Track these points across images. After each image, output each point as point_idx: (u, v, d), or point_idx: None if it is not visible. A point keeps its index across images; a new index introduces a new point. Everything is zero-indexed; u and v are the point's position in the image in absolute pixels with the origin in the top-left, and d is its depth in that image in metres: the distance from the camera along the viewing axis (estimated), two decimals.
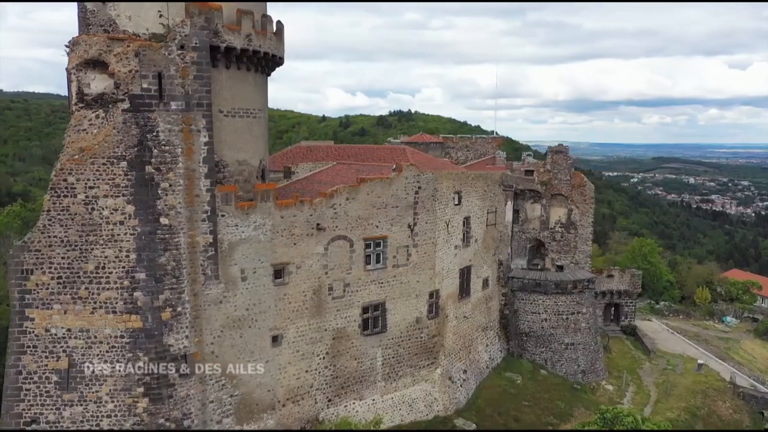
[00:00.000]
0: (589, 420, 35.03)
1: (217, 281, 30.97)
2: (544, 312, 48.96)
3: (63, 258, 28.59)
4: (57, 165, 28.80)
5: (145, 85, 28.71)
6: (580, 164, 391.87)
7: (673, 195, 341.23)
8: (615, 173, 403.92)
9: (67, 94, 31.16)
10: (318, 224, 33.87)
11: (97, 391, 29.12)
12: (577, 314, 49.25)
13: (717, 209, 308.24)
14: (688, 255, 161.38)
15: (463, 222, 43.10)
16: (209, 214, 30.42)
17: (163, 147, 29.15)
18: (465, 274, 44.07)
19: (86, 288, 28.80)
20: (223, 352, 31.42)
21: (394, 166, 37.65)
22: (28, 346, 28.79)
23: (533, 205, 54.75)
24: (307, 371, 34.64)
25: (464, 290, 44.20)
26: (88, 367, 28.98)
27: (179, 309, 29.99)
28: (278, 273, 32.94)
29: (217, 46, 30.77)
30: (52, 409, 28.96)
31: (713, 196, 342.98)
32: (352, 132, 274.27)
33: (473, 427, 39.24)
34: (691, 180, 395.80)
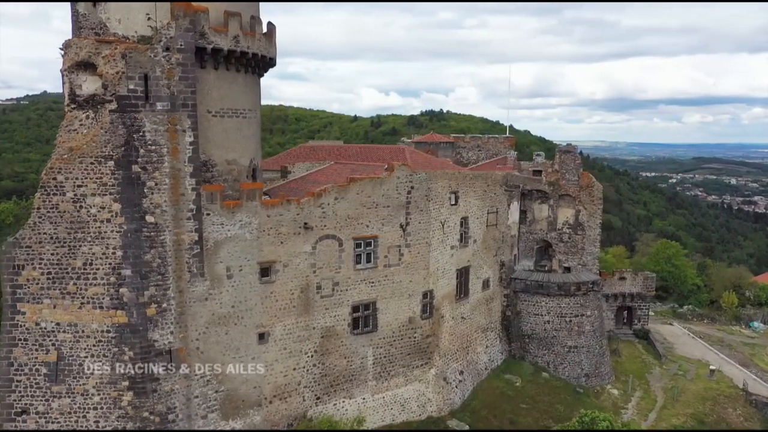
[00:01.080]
0: (569, 424, 34.55)
1: (202, 278, 31.53)
2: (546, 314, 48.38)
3: (52, 254, 29.49)
4: (48, 164, 29.75)
5: (131, 86, 29.40)
6: (617, 164, 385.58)
7: (713, 196, 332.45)
8: (653, 174, 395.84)
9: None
10: (305, 223, 34.16)
11: (84, 384, 29.98)
12: (581, 317, 48.49)
13: (760, 211, 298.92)
14: (727, 258, 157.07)
15: (461, 222, 42.87)
16: (194, 212, 30.98)
17: (149, 147, 29.81)
18: (463, 274, 43.85)
19: (74, 283, 29.66)
20: (208, 349, 31.97)
21: (386, 166, 37.69)
22: (20, 339, 29.79)
23: (541, 206, 54.14)
24: (294, 369, 34.96)
25: (462, 291, 43.97)
26: (75, 360, 29.89)
27: (164, 305, 30.64)
28: (265, 271, 33.33)
29: (203, 47, 31.35)
30: (41, 401, 29.94)
31: (756, 198, 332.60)
32: (383, 132, 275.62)
33: (466, 428, 39.05)
34: (733, 181, 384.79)
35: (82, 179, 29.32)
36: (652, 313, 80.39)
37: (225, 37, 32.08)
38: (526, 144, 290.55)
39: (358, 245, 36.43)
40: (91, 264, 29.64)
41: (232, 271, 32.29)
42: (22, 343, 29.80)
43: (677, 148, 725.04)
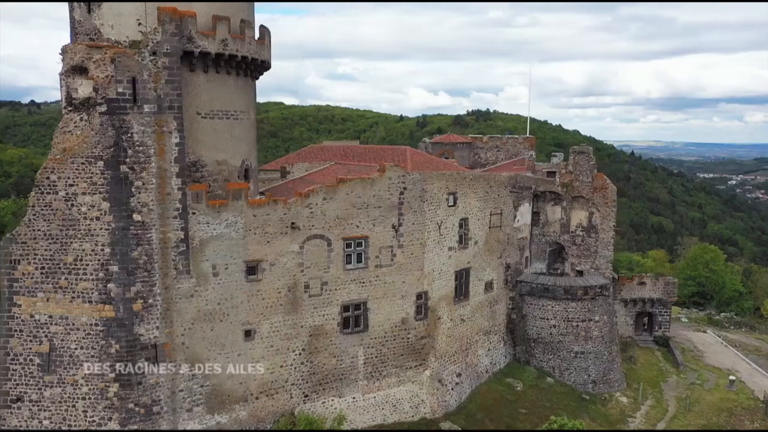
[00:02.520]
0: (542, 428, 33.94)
1: (188, 276, 32.44)
2: (553, 318, 47.50)
3: (46, 250, 30.92)
4: (43, 164, 31.23)
5: (120, 90, 30.56)
6: (673, 165, 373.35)
7: None
8: (711, 175, 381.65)
9: None
10: (293, 223, 34.67)
11: (73, 375, 31.33)
12: (589, 322, 47.39)
13: None
14: None
15: (460, 223, 42.59)
16: (180, 211, 31.92)
17: (137, 147, 30.92)
18: (462, 276, 43.54)
19: (66, 278, 31.02)
20: (193, 344, 32.87)
21: (379, 167, 37.86)
22: (15, 330, 31.36)
23: (554, 208, 53.14)
24: (282, 366, 35.52)
25: (461, 293, 43.67)
26: (66, 351, 31.27)
27: (150, 301, 31.69)
28: (251, 269, 34.01)
29: (191, 51, 32.24)
30: (34, 389, 31.44)
31: None
32: (428, 131, 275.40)
33: (458, 429, 38.80)
34: None
35: (73, 179, 30.62)
36: (685, 320, 77.98)
37: (213, 40, 32.86)
38: (574, 144, 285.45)
39: (348, 245, 36.71)
40: (81, 260, 30.94)
41: (218, 269, 33.09)
42: (17, 334, 31.34)
43: (738, 149, 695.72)
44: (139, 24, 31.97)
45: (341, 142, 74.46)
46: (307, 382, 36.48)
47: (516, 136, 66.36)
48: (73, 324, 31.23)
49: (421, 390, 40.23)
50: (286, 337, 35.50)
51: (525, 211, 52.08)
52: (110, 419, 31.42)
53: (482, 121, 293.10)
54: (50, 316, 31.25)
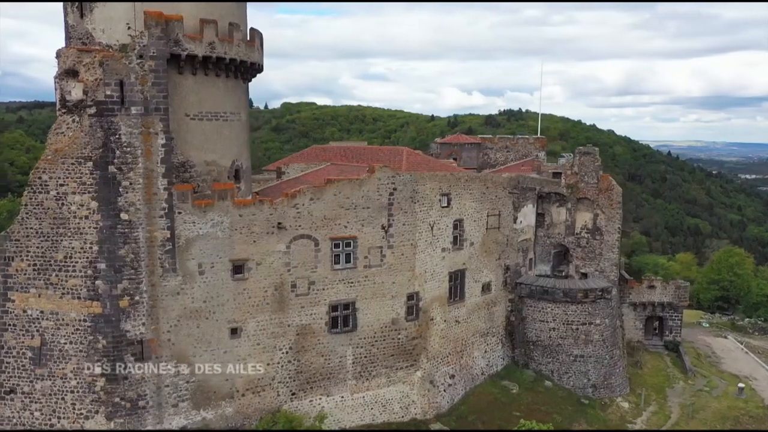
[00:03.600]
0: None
1: (174, 274, 33.16)
2: (552, 321, 46.91)
3: (38, 247, 32.02)
4: (36, 165, 32.36)
5: (108, 92, 31.45)
6: (712, 166, 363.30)
7: None
8: (753, 176, 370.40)
9: None
10: (279, 223, 35.09)
11: (63, 368, 32.38)
12: (589, 325, 46.66)
13: None
14: None
15: (455, 224, 42.46)
16: (167, 210, 32.65)
17: (124, 148, 31.78)
18: (457, 277, 43.38)
19: (56, 275, 32.08)
20: (179, 341, 33.57)
21: (368, 168, 38.03)
22: (9, 325, 32.54)
23: (559, 209, 52.52)
24: (268, 364, 35.99)
25: (456, 294, 43.51)
26: (56, 345, 32.32)
27: (137, 298, 32.52)
28: (238, 268, 34.56)
29: (178, 54, 32.94)
30: (27, 382, 32.60)
31: None
32: (459, 131, 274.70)
33: (446, 429, 38.75)
34: None
35: (64, 179, 31.63)
36: (707, 325, 76.00)
37: (199, 43, 33.48)
38: (608, 144, 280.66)
39: (336, 245, 36.98)
40: (70, 257, 31.94)
41: (204, 268, 33.72)
42: (11, 328, 32.51)
43: None
44: (129, 28, 32.73)
45: (346, 142, 74.82)
46: (294, 381, 36.86)
47: (527, 137, 65.77)
48: (63, 319, 32.26)
49: (411, 391, 40.26)
50: (272, 335, 35.95)
51: (529, 213, 51.59)
52: (97, 412, 32.37)
53: (514, 120, 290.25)
54: (41, 312, 32.34)
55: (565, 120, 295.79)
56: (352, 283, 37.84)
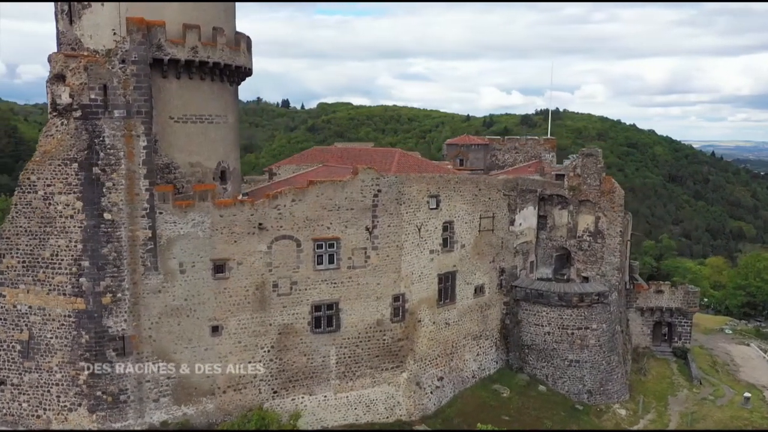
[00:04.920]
0: None
1: (156, 272, 34.07)
2: (547, 325, 46.26)
3: (27, 245, 33.33)
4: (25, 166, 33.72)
5: (92, 96, 32.57)
6: (761, 167, 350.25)
7: None
8: None
9: None
10: (260, 224, 35.65)
11: (49, 362, 33.64)
12: (585, 330, 45.83)
13: None
14: None
15: (444, 226, 42.34)
16: (148, 211, 33.60)
17: (108, 150, 32.86)
18: (448, 279, 43.23)
19: (44, 272, 33.34)
20: (160, 338, 34.48)
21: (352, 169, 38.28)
22: (0, 319, 33.98)
23: (561, 212, 51.72)
24: (250, 362, 36.59)
25: (446, 296, 43.36)
26: (43, 340, 33.60)
27: (119, 295, 33.56)
28: (219, 268, 35.25)
29: (161, 58, 33.85)
30: (16, 374, 33.97)
31: None
32: (494, 131, 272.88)
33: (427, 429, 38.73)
34: None
35: (51, 179, 32.85)
36: (729, 331, 73.74)
37: (182, 48, 34.36)
38: (649, 144, 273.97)
39: (319, 246, 37.33)
40: (57, 255, 33.15)
41: (185, 267, 34.53)
42: (2, 323, 33.92)
43: None
44: (114, 34, 33.86)
45: (354, 143, 75.19)
46: (276, 379, 37.38)
47: (536, 138, 64.97)
48: (50, 315, 33.50)
49: (397, 392, 40.32)
50: (254, 334, 36.53)
51: (529, 215, 51.01)
52: (80, 405, 33.52)
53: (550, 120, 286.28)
54: (30, 307, 33.64)
55: (603, 120, 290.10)
56: (335, 283, 38.14)
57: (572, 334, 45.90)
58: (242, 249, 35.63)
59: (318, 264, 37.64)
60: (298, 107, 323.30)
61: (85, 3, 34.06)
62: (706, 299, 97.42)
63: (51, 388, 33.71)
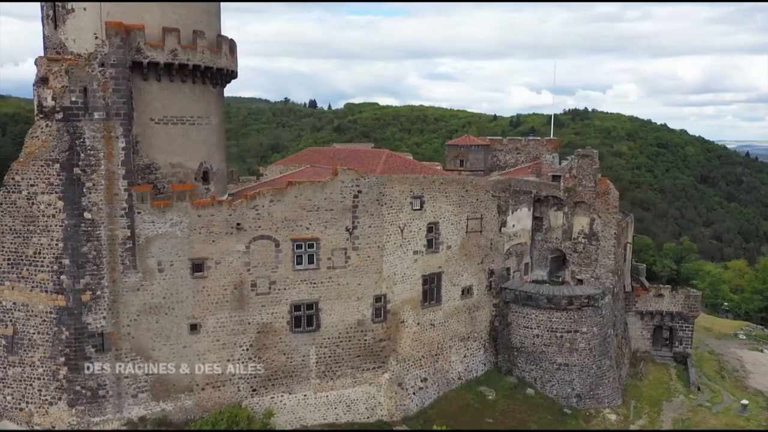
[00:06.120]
0: None
1: (135, 271, 34.81)
2: (536, 327, 45.75)
3: (11, 243, 34.40)
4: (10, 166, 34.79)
5: (73, 98, 33.49)
6: None
7: None
8: None
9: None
10: (238, 224, 36.13)
11: (31, 357, 34.66)
12: (574, 333, 45.20)
13: None
14: None
15: (429, 227, 42.26)
16: (127, 210, 34.37)
17: (88, 151, 33.74)
18: (433, 280, 43.14)
19: (27, 269, 34.37)
20: (139, 335, 35.20)
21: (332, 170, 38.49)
22: None
23: (556, 213, 51.15)
24: (228, 360, 37.09)
25: (431, 297, 43.26)
26: (26, 335, 34.64)
27: (98, 293, 34.40)
28: (197, 267, 35.82)
29: (140, 61, 34.59)
30: (0, 368, 35.08)
31: None
32: (521, 131, 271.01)
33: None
34: None
35: (34, 179, 33.86)
36: (743, 337, 71.84)
37: (161, 51, 35.04)
38: (680, 144, 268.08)
39: (298, 246, 37.64)
40: (39, 253, 34.14)
41: (163, 266, 35.20)
42: None
43: None
44: (96, 38, 34.62)
45: (352, 144, 75.34)
46: (255, 377, 37.81)
47: (538, 138, 64.34)
48: (32, 311, 34.52)
49: (378, 392, 40.40)
50: (232, 332, 37.02)
51: (523, 216, 50.60)
52: (60, 399, 34.46)
53: (578, 120, 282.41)
54: (14, 303, 34.71)
55: (633, 119, 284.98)
56: (314, 283, 38.41)
57: (561, 337, 45.33)
58: (220, 249, 36.14)
59: (297, 264, 37.96)
60: (326, 107, 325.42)
61: (69, 9, 34.94)
62: (726, 303, 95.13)
63: (33, 382, 34.70)
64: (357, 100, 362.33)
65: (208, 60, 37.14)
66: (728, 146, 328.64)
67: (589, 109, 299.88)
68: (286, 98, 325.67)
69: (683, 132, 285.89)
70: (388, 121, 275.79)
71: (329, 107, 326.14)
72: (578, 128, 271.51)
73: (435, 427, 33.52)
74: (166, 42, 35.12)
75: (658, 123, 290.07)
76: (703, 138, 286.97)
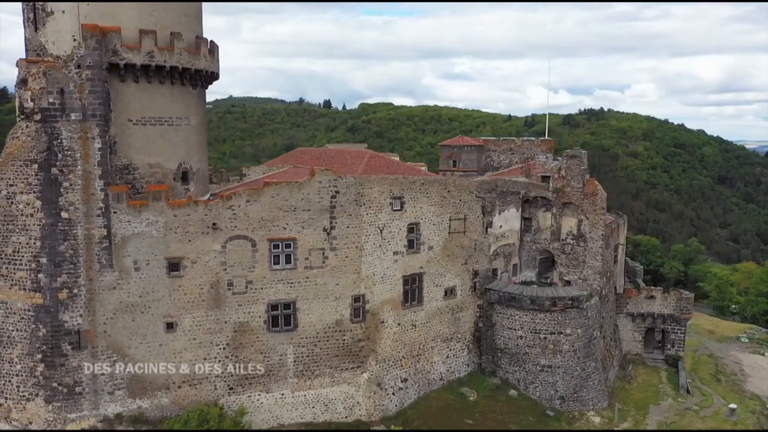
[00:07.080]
0: None
1: (111, 269, 35.29)
2: (520, 328, 45.51)
3: None
4: None
5: (50, 100, 34.07)
6: None
7: None
8: None
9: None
10: (214, 224, 36.45)
11: (10, 353, 35.30)
12: (558, 335, 44.90)
13: None
14: None
15: (410, 228, 42.26)
16: (103, 210, 34.86)
17: (65, 152, 34.28)
18: (414, 281, 43.12)
19: (6, 268, 35.02)
20: (115, 333, 35.67)
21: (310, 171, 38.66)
22: None
23: (545, 214, 50.84)
24: (205, 359, 37.43)
25: (412, 298, 43.25)
26: (5, 332, 35.29)
27: (75, 291, 34.92)
28: (174, 266, 36.19)
29: (116, 63, 35.08)
30: None
31: None
32: (536, 131, 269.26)
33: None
34: None
35: (13, 179, 34.47)
36: (745, 340, 70.87)
37: (138, 53, 35.49)
38: (697, 145, 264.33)
39: (275, 246, 37.87)
40: (18, 252, 34.76)
41: (139, 265, 35.63)
42: None
43: None
44: (74, 40, 35.18)
45: (344, 144, 75.43)
46: (232, 376, 38.10)
47: (532, 139, 63.99)
48: (11, 309, 35.16)
49: (357, 392, 40.48)
50: (209, 331, 37.34)
51: (511, 217, 50.39)
52: (37, 395, 35.04)
53: (594, 120, 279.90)
54: None
55: (650, 119, 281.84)
56: (291, 283, 38.60)
57: (545, 338, 45.05)
58: (196, 248, 36.49)
59: (274, 264, 38.18)
60: (340, 108, 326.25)
61: (49, 11, 35.54)
62: (733, 306, 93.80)
63: (12, 378, 35.34)
64: (373, 101, 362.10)
65: (185, 61, 37.52)
66: (749, 146, 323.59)
67: (605, 109, 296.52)
68: (300, 98, 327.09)
69: (701, 132, 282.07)
70: (402, 122, 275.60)
71: (344, 107, 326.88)
72: (594, 128, 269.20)
73: (393, 427, 33.37)
74: (142, 44, 35.56)
75: (676, 123, 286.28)
76: (721, 138, 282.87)
